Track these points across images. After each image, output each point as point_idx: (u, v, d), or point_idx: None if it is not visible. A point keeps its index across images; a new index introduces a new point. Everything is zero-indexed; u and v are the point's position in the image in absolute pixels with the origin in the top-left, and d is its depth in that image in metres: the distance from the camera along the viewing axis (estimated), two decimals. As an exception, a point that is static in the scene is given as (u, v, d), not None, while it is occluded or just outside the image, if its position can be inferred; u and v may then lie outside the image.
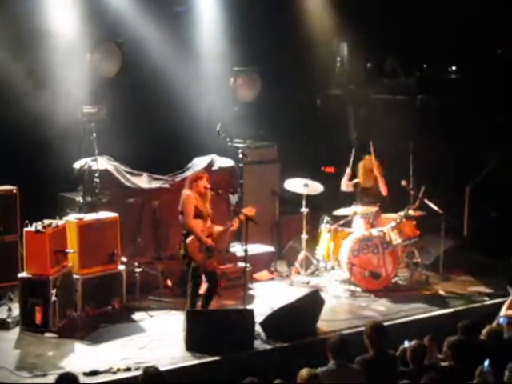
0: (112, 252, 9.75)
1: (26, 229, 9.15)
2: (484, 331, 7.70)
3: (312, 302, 9.37)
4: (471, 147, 12.85)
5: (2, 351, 8.53)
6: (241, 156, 11.12)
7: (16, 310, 9.18)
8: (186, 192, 9.24)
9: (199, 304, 9.29)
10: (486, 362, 6.87)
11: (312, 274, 11.22)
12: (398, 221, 10.84)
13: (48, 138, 11.20)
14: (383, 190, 11.00)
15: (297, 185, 11.15)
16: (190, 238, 9.09)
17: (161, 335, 9.03)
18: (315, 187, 11.14)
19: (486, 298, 10.46)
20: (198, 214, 9.17)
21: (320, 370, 6.96)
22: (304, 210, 11.12)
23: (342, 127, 13.81)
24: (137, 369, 7.93)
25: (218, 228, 9.35)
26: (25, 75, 11.18)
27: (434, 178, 11.82)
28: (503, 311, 8.96)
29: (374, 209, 11.00)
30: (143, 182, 10.89)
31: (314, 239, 11.25)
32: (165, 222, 10.69)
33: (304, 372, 6.65)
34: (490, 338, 7.59)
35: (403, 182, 11.13)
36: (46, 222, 9.18)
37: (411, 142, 11.41)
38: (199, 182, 9.25)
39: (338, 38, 13.57)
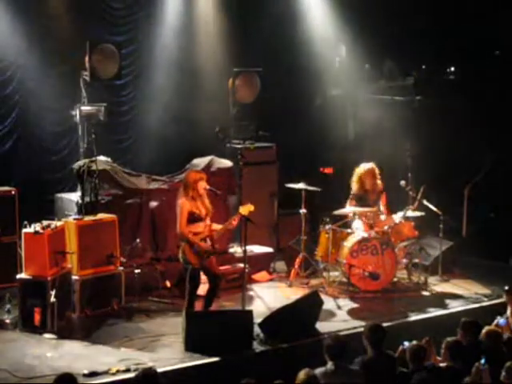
0: (111, 253, 9.74)
1: (24, 230, 9.13)
2: (482, 332, 7.70)
3: (311, 303, 9.36)
4: (469, 148, 12.87)
5: (1, 352, 8.50)
6: (239, 157, 11.12)
7: (15, 311, 9.17)
8: (180, 200, 9.16)
9: (198, 304, 9.29)
10: (483, 360, 6.88)
11: (311, 274, 11.23)
12: (397, 222, 10.85)
13: (47, 139, 11.21)
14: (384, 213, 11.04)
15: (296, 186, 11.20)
16: (186, 244, 9.08)
17: (160, 336, 9.01)
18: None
19: (485, 299, 10.47)
20: (196, 218, 9.13)
21: (318, 370, 6.96)
22: (303, 210, 11.12)
23: (341, 128, 13.82)
24: (136, 370, 7.89)
25: (217, 226, 9.33)
26: (25, 76, 11.21)
27: (433, 179, 11.82)
28: (509, 312, 8.91)
29: (373, 210, 10.98)
30: (142, 182, 10.88)
31: (312, 240, 11.25)
32: (163, 223, 10.68)
33: (302, 373, 6.65)
34: (488, 339, 7.58)
35: (402, 183, 11.13)
36: (45, 223, 9.17)
37: (409, 143, 11.41)
38: (200, 183, 9.18)
39: (337, 38, 13.57)
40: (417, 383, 6.75)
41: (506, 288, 9.03)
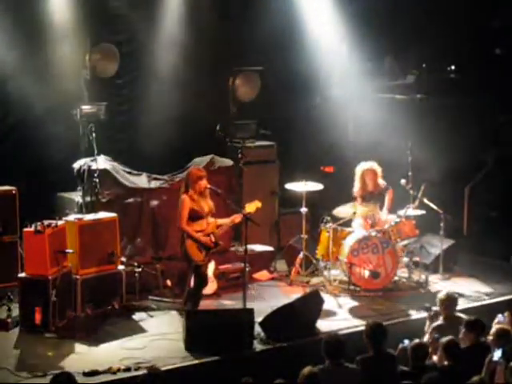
0: (111, 252, 9.74)
1: (25, 229, 9.15)
2: (492, 331, 7.61)
3: (311, 302, 9.37)
4: (470, 147, 12.86)
5: (2, 351, 8.53)
6: (240, 156, 11.12)
7: (16, 311, 9.18)
8: (181, 196, 9.18)
9: (201, 303, 9.31)
10: (499, 353, 6.84)
11: (311, 273, 11.22)
12: (398, 220, 10.84)
13: (47, 138, 11.20)
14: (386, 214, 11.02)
15: (297, 185, 11.17)
16: (188, 240, 9.08)
17: (160, 335, 9.02)
18: (315, 185, 11.18)
19: (486, 298, 10.46)
20: (197, 216, 9.15)
21: (316, 368, 6.97)
22: (303, 209, 11.12)
23: (342, 127, 13.79)
24: (136, 369, 7.94)
25: (222, 220, 9.36)
26: (24, 75, 11.19)
27: (434, 178, 11.82)
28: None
29: (373, 209, 10.97)
30: (142, 181, 10.89)
31: (313, 239, 11.25)
32: (164, 222, 10.69)
33: (306, 370, 6.68)
34: (498, 338, 7.48)
35: (402, 182, 11.11)
36: (46, 222, 9.18)
37: (410, 141, 11.40)
38: (200, 182, 9.21)
39: (338, 37, 13.55)
40: (426, 383, 6.73)
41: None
